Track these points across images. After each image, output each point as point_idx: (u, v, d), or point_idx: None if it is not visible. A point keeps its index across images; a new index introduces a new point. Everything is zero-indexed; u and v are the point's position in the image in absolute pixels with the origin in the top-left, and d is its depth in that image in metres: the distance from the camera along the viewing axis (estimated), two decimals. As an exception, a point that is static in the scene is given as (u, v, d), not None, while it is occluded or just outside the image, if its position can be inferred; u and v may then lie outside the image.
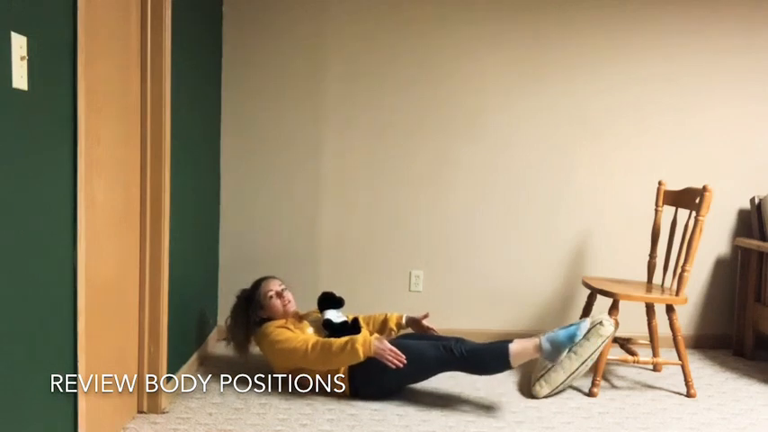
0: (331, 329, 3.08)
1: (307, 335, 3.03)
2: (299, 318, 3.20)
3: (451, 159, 3.86)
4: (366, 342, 2.84)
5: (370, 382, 2.89)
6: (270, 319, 3.14)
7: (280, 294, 3.16)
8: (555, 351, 2.78)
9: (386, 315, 3.27)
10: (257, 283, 3.22)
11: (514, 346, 2.82)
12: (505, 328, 3.90)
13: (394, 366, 2.80)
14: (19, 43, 1.58)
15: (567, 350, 2.83)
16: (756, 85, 3.90)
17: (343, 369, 2.91)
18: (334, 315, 3.16)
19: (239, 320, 3.17)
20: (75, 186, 1.90)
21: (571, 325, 2.86)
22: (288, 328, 3.04)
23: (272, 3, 3.76)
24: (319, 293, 3.27)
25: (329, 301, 3.22)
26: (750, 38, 3.87)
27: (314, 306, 3.30)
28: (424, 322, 3.21)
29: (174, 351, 2.85)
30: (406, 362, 2.80)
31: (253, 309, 3.16)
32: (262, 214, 3.84)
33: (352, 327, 3.11)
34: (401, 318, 3.26)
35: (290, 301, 3.18)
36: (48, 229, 1.79)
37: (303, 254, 3.85)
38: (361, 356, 2.82)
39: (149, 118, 2.58)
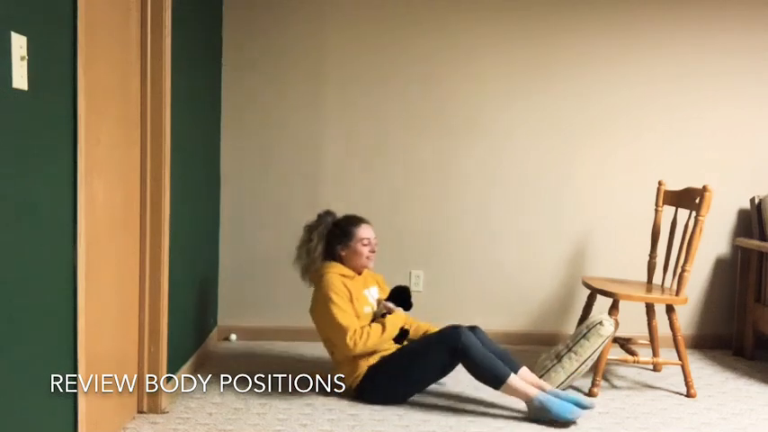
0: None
1: (353, 320, 2.88)
2: (366, 283, 3.07)
3: (452, 160, 3.86)
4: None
5: (378, 388, 2.88)
6: (342, 260, 3.03)
7: (371, 247, 3.04)
8: (539, 413, 2.72)
9: (428, 327, 3.17)
10: (354, 221, 3.07)
11: (513, 382, 2.75)
12: (505, 327, 3.90)
13: None
14: (19, 43, 1.58)
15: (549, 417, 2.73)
16: (756, 85, 3.90)
17: (352, 373, 2.89)
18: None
19: (316, 241, 3.03)
20: (76, 186, 1.90)
21: (570, 400, 2.77)
22: (348, 290, 2.93)
23: (273, 3, 3.76)
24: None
25: (400, 297, 3.07)
26: (750, 38, 3.87)
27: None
28: None
29: (174, 351, 2.85)
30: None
31: (337, 239, 3.03)
32: (262, 215, 3.84)
33: (399, 335, 2.99)
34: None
35: (369, 258, 3.06)
36: (48, 229, 1.79)
37: (303, 254, 3.85)
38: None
39: (149, 118, 2.58)
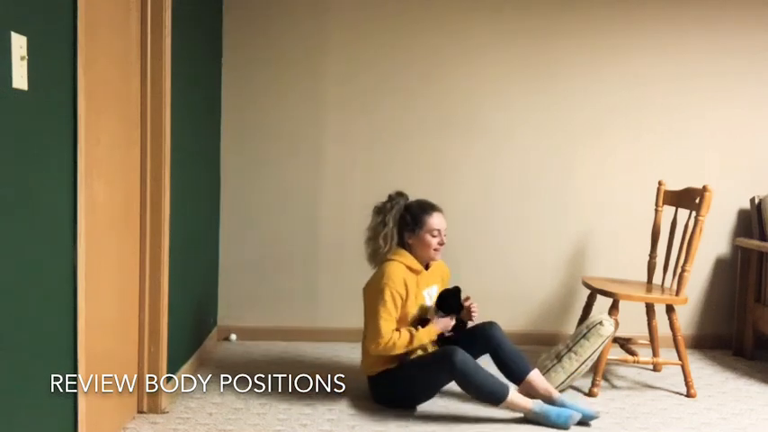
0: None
1: (391, 326, 2.78)
2: (429, 280, 2.95)
3: (451, 159, 3.86)
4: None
5: (387, 391, 2.87)
6: (410, 249, 2.90)
7: (440, 239, 2.89)
8: (536, 418, 2.73)
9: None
10: (427, 208, 2.91)
11: (511, 399, 2.72)
12: (505, 327, 3.83)
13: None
14: (19, 43, 1.58)
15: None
16: (756, 85, 3.90)
17: (373, 365, 2.88)
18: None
19: (391, 226, 2.88)
20: (76, 186, 1.90)
21: (575, 410, 2.75)
22: (405, 289, 2.81)
23: (273, 3, 3.76)
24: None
25: (448, 302, 2.93)
26: (750, 38, 3.87)
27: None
28: (466, 304, 3.01)
29: (174, 351, 2.85)
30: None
31: (407, 226, 2.89)
32: (262, 214, 3.84)
33: (440, 341, 2.93)
34: None
35: (437, 251, 2.91)
36: (48, 229, 1.79)
37: (303, 254, 3.85)
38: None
39: (149, 118, 2.58)
